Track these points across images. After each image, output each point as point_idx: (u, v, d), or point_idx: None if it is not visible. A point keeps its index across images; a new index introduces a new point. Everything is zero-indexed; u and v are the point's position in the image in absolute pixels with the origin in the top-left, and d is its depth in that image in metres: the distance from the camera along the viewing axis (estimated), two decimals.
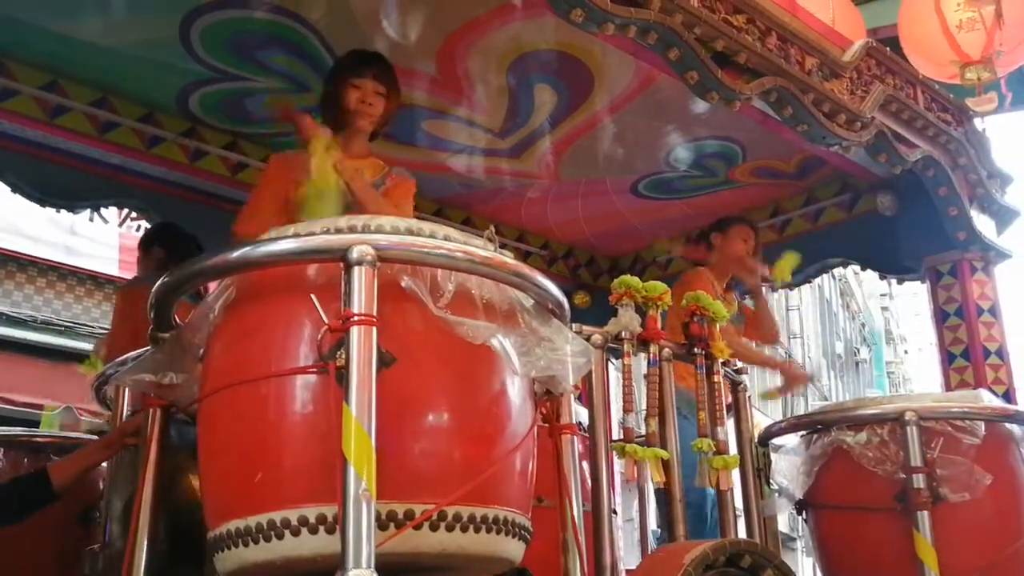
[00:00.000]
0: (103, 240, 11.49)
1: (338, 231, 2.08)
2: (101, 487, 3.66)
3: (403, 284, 2.03)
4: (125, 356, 3.38)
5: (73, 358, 10.42)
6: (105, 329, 11.71)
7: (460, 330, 2.04)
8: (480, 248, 2.16)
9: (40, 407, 10.00)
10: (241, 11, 4.31)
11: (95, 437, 4.23)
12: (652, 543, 3.77)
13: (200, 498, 2.26)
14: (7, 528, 3.14)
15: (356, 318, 1.89)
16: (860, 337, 41.08)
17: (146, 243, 5.17)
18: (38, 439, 4.15)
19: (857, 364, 39.45)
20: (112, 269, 11.97)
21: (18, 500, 3.12)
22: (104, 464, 3.34)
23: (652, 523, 4.22)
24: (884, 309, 45.66)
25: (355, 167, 3.61)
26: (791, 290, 6.47)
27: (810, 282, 6.66)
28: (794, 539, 17.76)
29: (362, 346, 1.88)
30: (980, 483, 3.48)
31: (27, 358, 10.74)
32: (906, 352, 52.14)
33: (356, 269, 1.92)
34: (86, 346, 10.51)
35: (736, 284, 5.52)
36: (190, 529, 2.59)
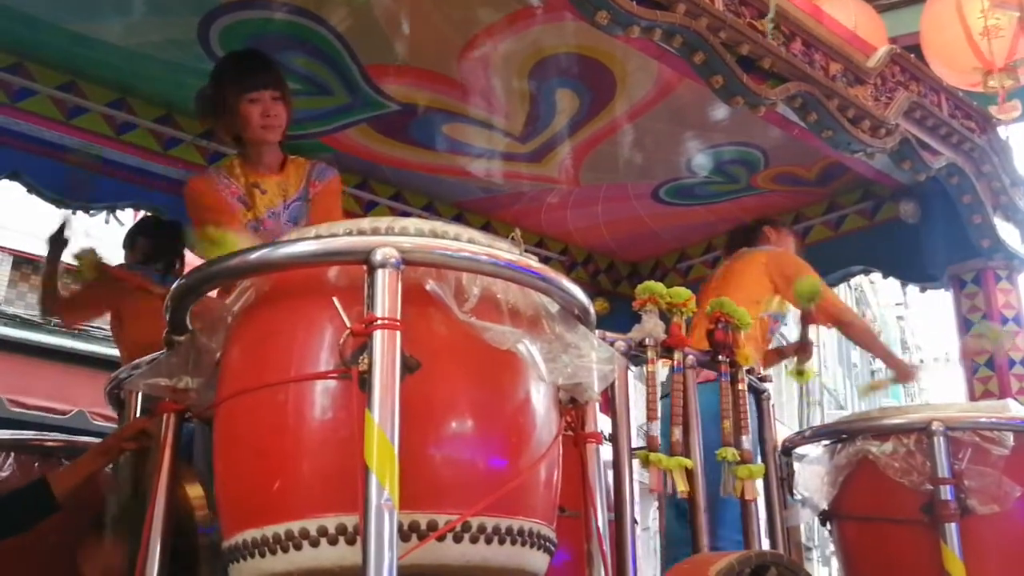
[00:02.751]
0: (118, 243, 11.47)
1: (361, 233, 2.04)
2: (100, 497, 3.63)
3: (427, 288, 1.98)
4: (139, 360, 3.34)
5: (87, 361, 10.45)
6: None
7: (486, 335, 1.99)
8: (506, 251, 2.11)
9: (53, 411, 9.97)
10: (261, 12, 4.27)
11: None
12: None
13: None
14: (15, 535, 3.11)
15: (380, 322, 1.83)
16: None
17: (130, 238, 5.18)
18: (49, 443, 4.10)
19: (873, 373, 39.32)
20: None
21: (20, 511, 3.09)
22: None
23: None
24: (899, 318, 45.58)
25: (277, 183, 3.56)
26: None
27: (832, 289, 6.60)
28: (810, 549, 17.71)
29: (386, 351, 1.82)
30: (1009, 495, 3.41)
31: (41, 361, 10.74)
32: (921, 361, 52.00)
33: (380, 272, 1.87)
34: (100, 349, 10.53)
35: None
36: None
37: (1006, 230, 5.51)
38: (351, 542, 1.85)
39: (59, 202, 5.08)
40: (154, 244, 5.05)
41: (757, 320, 4.53)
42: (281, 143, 3.64)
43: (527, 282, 2.13)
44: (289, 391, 1.99)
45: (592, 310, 2.32)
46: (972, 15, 5.29)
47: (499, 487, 1.96)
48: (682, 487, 3.07)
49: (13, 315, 11.03)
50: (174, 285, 2.23)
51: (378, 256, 1.87)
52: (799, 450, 4.05)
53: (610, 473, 2.97)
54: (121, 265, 5.13)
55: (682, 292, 3.26)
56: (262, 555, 1.96)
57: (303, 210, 3.56)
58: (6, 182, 4.94)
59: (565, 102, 5.00)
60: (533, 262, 2.16)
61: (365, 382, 1.82)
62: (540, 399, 2.13)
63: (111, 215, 5.43)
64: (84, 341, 11.06)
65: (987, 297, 5.47)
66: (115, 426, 5.50)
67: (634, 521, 3.06)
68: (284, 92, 3.55)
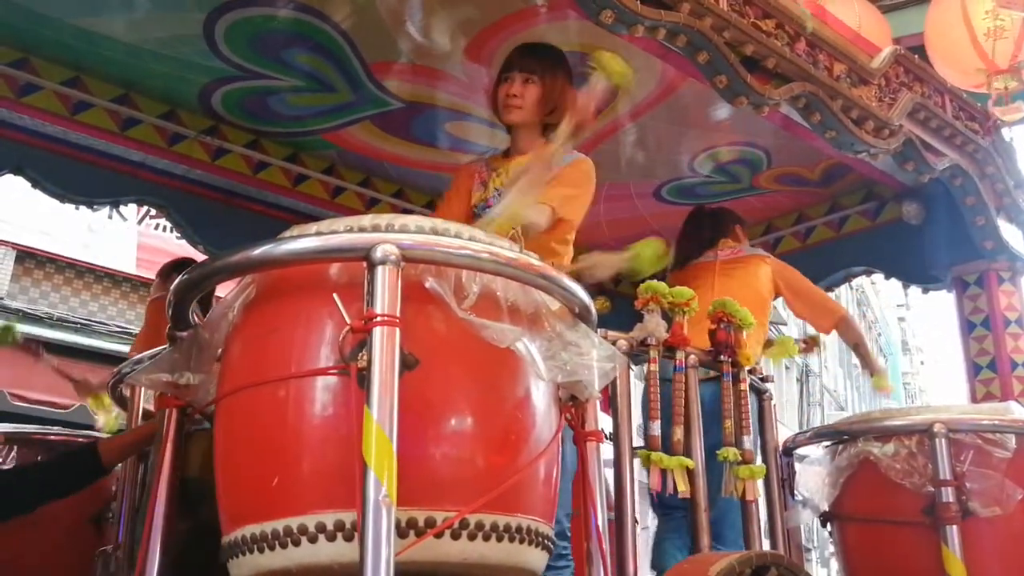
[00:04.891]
0: (121, 237, 11.49)
1: (361, 230, 2.04)
2: (113, 488, 3.64)
3: (427, 285, 1.98)
4: (140, 355, 3.36)
5: (89, 356, 10.44)
6: (121, 327, 11.75)
7: (485, 333, 1.98)
8: (506, 249, 2.11)
9: (54, 405, 9.97)
10: (266, 9, 4.27)
11: (106, 436, 4.21)
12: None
13: None
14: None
15: (379, 319, 1.83)
16: (876, 347, 41.03)
17: (167, 272, 5.16)
18: (51, 437, 4.11)
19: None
20: (130, 267, 11.99)
21: (71, 473, 3.14)
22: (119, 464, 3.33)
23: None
24: (901, 319, 45.60)
25: (517, 163, 3.53)
26: None
27: (833, 290, 6.58)
28: (809, 550, 17.69)
29: (385, 348, 1.82)
30: (1011, 498, 3.42)
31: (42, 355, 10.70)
32: (922, 363, 52.03)
33: (380, 269, 1.86)
34: (102, 344, 10.55)
35: None
36: None
37: (1009, 232, 5.50)
38: (349, 538, 1.85)
39: (62, 197, 5.09)
40: None
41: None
42: (548, 129, 3.51)
43: (528, 280, 2.13)
44: (289, 387, 1.99)
45: (593, 308, 2.31)
46: (977, 16, 5.27)
47: (497, 484, 1.96)
48: (682, 487, 3.07)
49: (16, 309, 11.02)
50: (176, 280, 2.23)
51: (378, 253, 1.87)
52: (800, 451, 4.05)
53: (610, 472, 2.97)
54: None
55: (684, 292, 3.26)
56: (260, 551, 1.96)
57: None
58: (10, 177, 4.94)
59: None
60: (534, 260, 2.16)
61: (364, 379, 1.82)
62: (539, 397, 2.13)
63: (114, 210, 5.44)
64: (86, 336, 11.07)
65: (990, 299, 5.46)
66: None
67: (634, 520, 3.06)
68: (541, 75, 3.52)
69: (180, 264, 5.14)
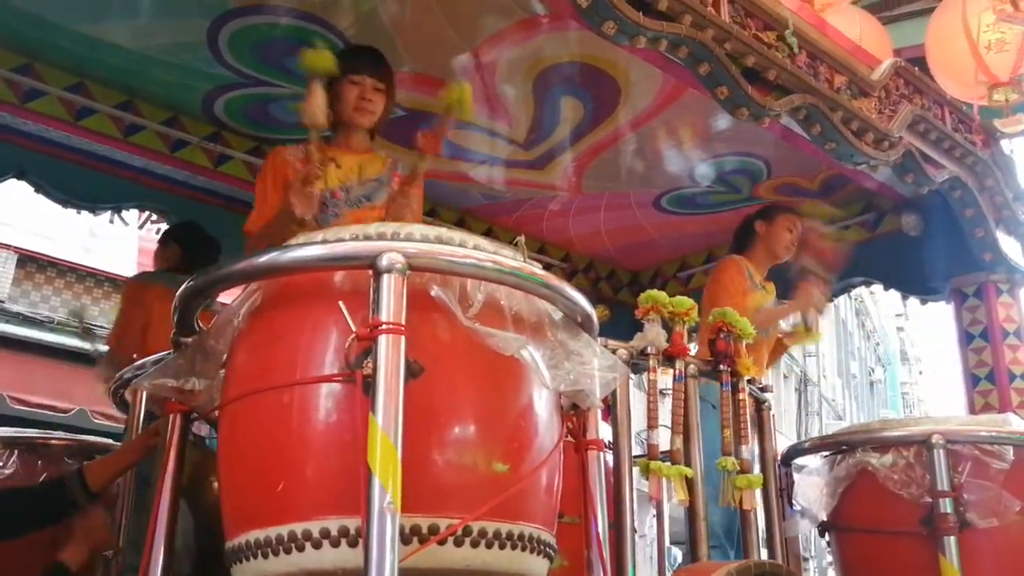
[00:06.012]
0: (122, 242, 11.51)
1: (367, 238, 2.05)
2: (114, 492, 3.63)
3: (432, 293, 1.99)
4: (144, 360, 3.36)
5: (89, 360, 10.45)
6: None
7: (490, 341, 2.00)
8: (510, 258, 2.13)
9: (54, 409, 9.97)
10: (269, 17, 4.30)
11: (111, 441, 4.21)
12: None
13: None
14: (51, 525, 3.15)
15: (384, 327, 1.85)
16: (875, 357, 41.04)
17: (165, 239, 5.16)
18: (53, 442, 4.11)
19: (872, 384, 39.35)
20: (130, 271, 11.99)
21: (58, 500, 3.12)
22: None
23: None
24: (899, 330, 45.61)
25: (357, 162, 3.67)
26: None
27: (832, 301, 6.59)
28: (807, 559, 17.68)
29: (390, 355, 1.84)
30: (1009, 509, 3.42)
31: (43, 359, 10.74)
32: (920, 373, 52.05)
33: (385, 277, 1.88)
34: (102, 348, 10.54)
35: (776, 273, 5.22)
36: None
37: (1008, 244, 5.52)
38: (353, 544, 1.87)
39: (64, 202, 5.11)
40: (184, 257, 4.97)
41: None
42: (373, 135, 3.81)
43: (531, 289, 2.14)
44: (294, 394, 2.00)
45: (595, 317, 2.33)
46: (978, 29, 5.30)
47: (500, 492, 1.97)
48: (681, 496, 3.08)
49: (17, 313, 11.04)
50: (182, 287, 2.24)
51: (384, 261, 1.88)
52: (798, 460, 4.06)
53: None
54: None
55: (685, 301, 3.27)
56: (264, 556, 1.97)
57: (380, 191, 3.66)
58: (13, 181, 4.97)
59: (569, 110, 5.02)
60: (538, 269, 2.17)
61: (369, 386, 1.83)
62: (542, 405, 2.14)
63: (116, 215, 5.46)
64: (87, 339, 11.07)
65: (988, 310, 5.49)
66: (116, 425, 5.50)
67: (633, 529, 3.07)
68: (389, 87, 3.72)
69: (177, 231, 5.16)
